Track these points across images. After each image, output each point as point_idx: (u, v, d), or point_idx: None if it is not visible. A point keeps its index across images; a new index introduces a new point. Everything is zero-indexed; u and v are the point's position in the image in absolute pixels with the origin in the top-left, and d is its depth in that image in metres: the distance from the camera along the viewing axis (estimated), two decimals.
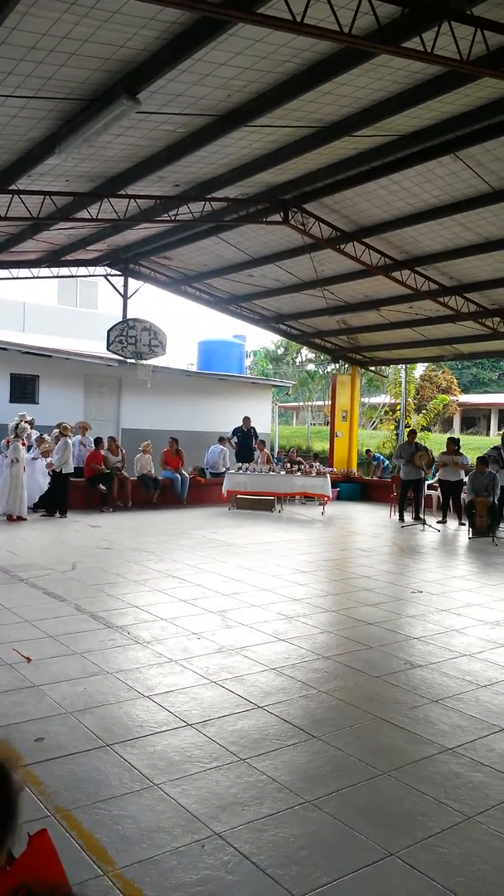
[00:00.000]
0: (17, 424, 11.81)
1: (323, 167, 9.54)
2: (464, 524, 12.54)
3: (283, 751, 3.68)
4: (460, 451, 13.16)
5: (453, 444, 13.28)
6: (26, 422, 12.27)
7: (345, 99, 7.28)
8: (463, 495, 12.63)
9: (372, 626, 6.12)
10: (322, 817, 3.06)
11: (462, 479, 12.64)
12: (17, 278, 15.92)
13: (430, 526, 12.33)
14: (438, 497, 14.05)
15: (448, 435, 24.21)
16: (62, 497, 12.26)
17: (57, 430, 12.49)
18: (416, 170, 9.17)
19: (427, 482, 13.64)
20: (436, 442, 21.53)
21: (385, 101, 7.32)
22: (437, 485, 13.98)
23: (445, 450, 13.24)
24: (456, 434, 28.51)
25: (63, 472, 12.22)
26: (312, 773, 3.46)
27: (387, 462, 18.31)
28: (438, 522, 12.94)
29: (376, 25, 5.28)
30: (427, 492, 13.67)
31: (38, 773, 3.31)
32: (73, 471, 12.60)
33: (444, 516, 13.29)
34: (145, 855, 2.74)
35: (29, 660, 4.88)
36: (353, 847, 2.84)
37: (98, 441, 13.58)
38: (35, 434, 13.02)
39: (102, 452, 13.40)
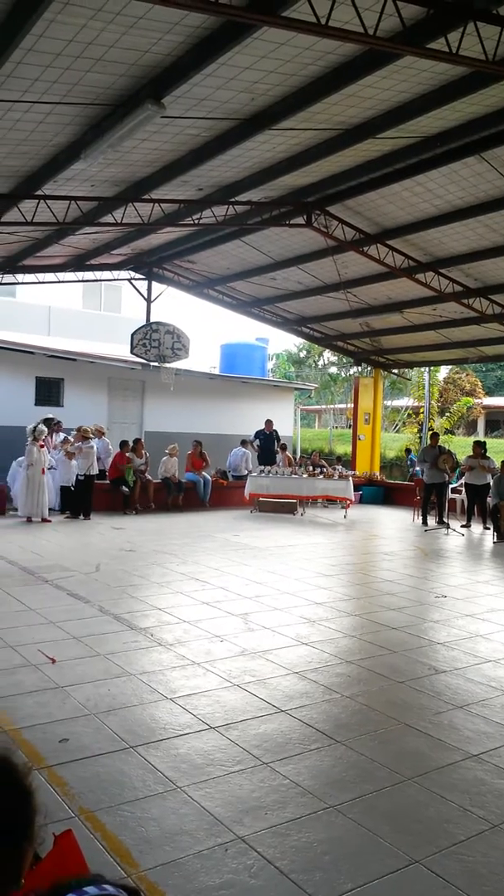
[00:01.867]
0: (35, 427, 11.91)
1: (346, 169, 9.52)
2: (489, 528, 12.42)
3: (307, 755, 3.66)
4: (486, 454, 13.02)
5: (479, 447, 13.14)
6: (45, 423, 12.38)
7: (369, 101, 7.26)
8: (488, 499, 12.51)
9: (395, 630, 6.08)
10: (346, 823, 3.04)
11: (488, 483, 12.51)
12: (42, 283, 16.09)
13: (453, 530, 12.22)
14: (462, 501, 13.93)
15: (473, 438, 23.98)
16: (86, 500, 12.35)
17: (78, 434, 12.57)
18: (440, 171, 9.12)
19: (451, 486, 13.52)
20: (460, 445, 21.36)
21: (409, 102, 7.29)
22: (461, 488, 13.85)
23: (472, 453, 13.11)
24: (480, 437, 28.24)
25: (89, 474, 12.32)
26: (336, 777, 3.44)
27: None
28: (462, 526, 12.82)
29: (401, 27, 5.27)
30: (451, 495, 13.55)
31: (62, 774, 3.33)
32: (97, 473, 12.69)
33: (469, 520, 13.17)
34: (169, 857, 2.74)
35: (53, 661, 4.91)
36: (377, 853, 2.82)
37: (123, 444, 13.65)
38: (61, 437, 13.13)
39: (127, 454, 13.47)
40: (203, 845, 2.83)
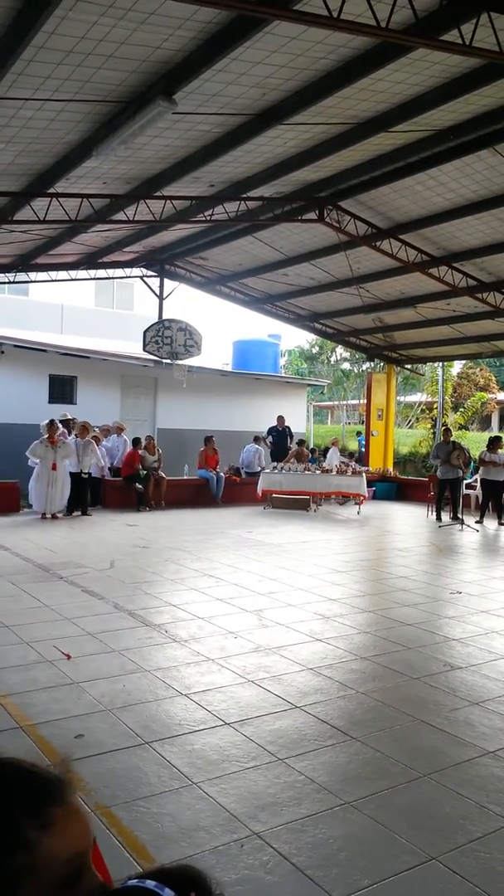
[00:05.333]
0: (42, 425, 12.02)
1: (359, 164, 9.47)
2: (503, 524, 12.34)
3: (322, 751, 3.65)
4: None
5: (497, 443, 13.03)
6: (60, 421, 12.43)
7: (381, 95, 7.22)
8: None
9: (410, 626, 6.06)
10: (361, 819, 3.03)
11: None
12: (55, 281, 16.13)
13: (468, 526, 12.16)
14: (477, 497, 13.85)
15: (488, 434, 23.85)
16: (83, 496, 12.39)
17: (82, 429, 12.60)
18: (453, 164, 9.04)
19: (465, 481, 13.44)
20: (474, 441, 21.23)
21: (422, 95, 7.23)
22: (475, 484, 13.77)
23: (488, 448, 13.00)
24: (495, 432, 28.07)
25: (89, 470, 12.38)
26: (351, 774, 3.43)
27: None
28: (477, 522, 12.75)
29: (414, 19, 5.22)
30: (465, 491, 13.47)
31: (77, 770, 3.34)
32: (89, 471, 12.53)
33: (482, 516, 13.09)
34: (185, 853, 2.74)
35: (69, 657, 4.93)
36: (393, 850, 2.81)
37: (136, 441, 13.67)
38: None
39: (140, 452, 13.50)
40: (219, 841, 2.83)
